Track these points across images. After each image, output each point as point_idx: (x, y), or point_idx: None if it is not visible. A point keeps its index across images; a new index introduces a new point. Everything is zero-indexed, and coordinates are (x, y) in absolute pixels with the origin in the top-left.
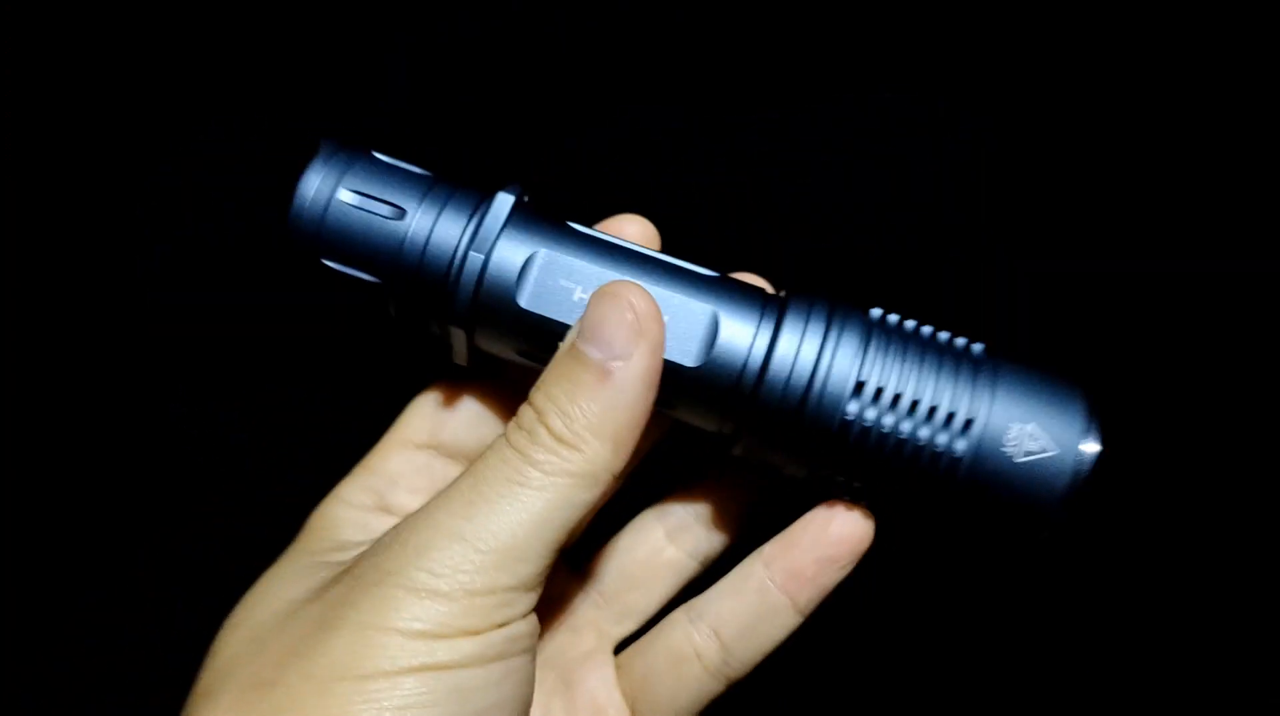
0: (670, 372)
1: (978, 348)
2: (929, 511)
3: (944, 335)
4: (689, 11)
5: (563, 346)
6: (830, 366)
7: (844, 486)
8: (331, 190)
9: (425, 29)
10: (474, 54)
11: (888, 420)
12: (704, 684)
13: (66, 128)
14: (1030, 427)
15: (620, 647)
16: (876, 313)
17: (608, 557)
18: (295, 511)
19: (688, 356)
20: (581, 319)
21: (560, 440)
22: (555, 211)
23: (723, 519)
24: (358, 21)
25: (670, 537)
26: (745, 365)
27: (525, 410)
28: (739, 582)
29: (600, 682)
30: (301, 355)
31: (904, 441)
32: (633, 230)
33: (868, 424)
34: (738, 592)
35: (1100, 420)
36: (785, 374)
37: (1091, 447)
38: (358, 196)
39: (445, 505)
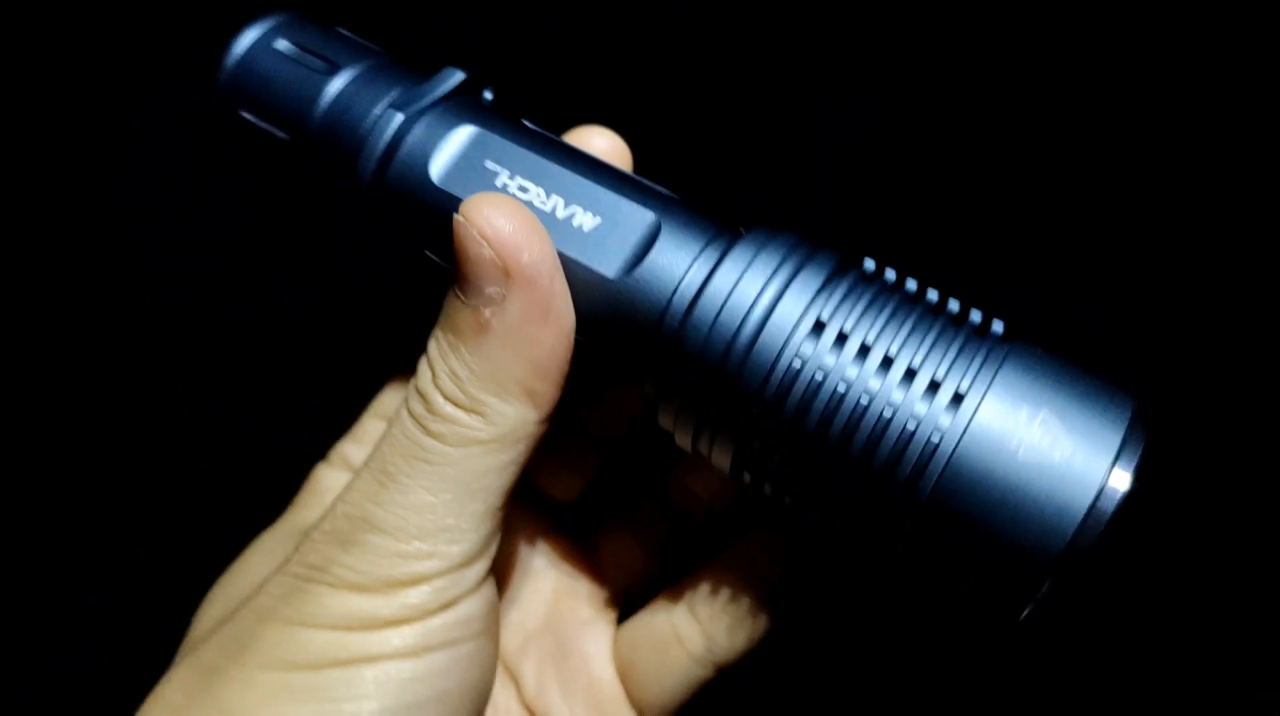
0: (587, 283)
1: (997, 325)
2: (892, 526)
3: (954, 303)
4: (689, 12)
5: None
6: (775, 301)
7: (777, 484)
8: (270, 41)
9: (426, 29)
10: (474, 54)
11: (850, 372)
12: (688, 668)
13: (66, 127)
14: (1043, 414)
15: (622, 617)
16: (870, 264)
17: (609, 522)
18: (308, 457)
19: (610, 265)
20: None
21: (457, 405)
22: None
23: (731, 489)
24: (357, 23)
25: (673, 500)
26: (676, 290)
27: (422, 364)
28: (724, 568)
29: (597, 653)
30: (302, 356)
31: (867, 407)
32: (600, 143)
33: (820, 376)
34: (720, 576)
35: (1145, 447)
36: (717, 305)
37: (1120, 479)
38: (294, 48)
39: (359, 487)
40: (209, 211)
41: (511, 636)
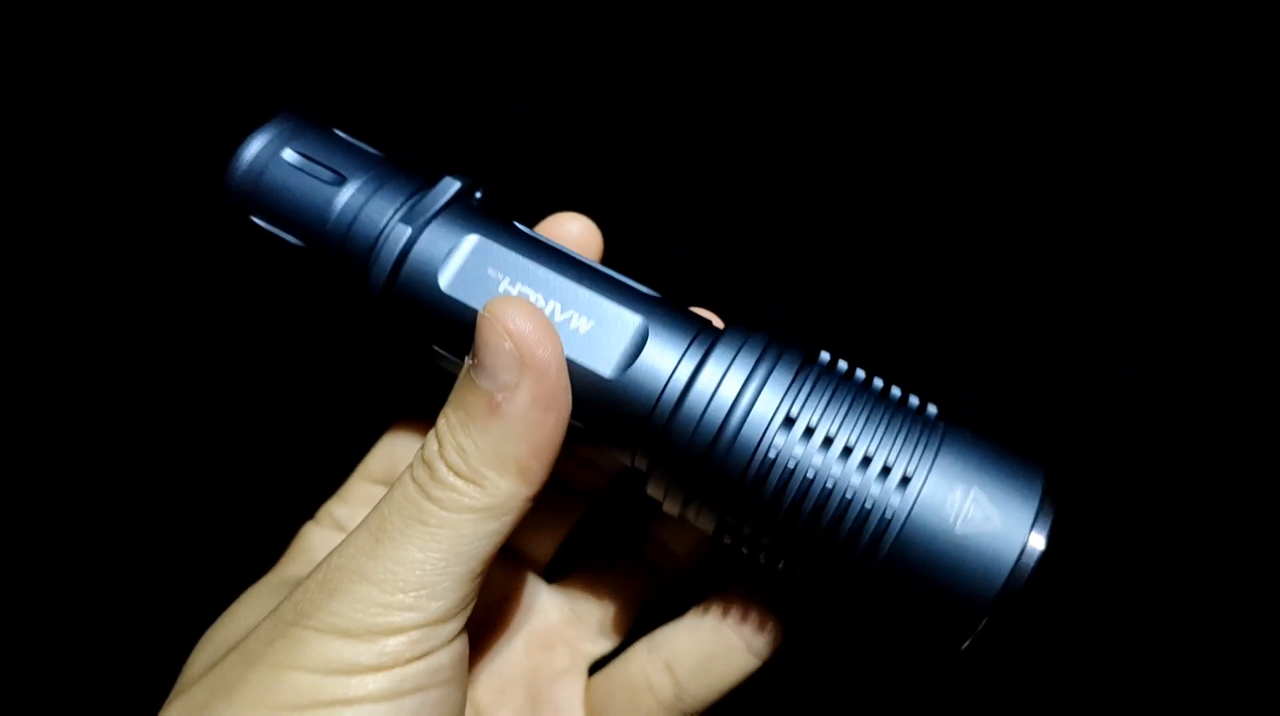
0: (585, 381)
1: (932, 409)
2: (853, 585)
3: (896, 391)
4: (688, 16)
5: (465, 363)
6: (754, 400)
7: (754, 547)
8: (277, 149)
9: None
10: (478, 59)
11: (816, 460)
12: None
13: (66, 126)
14: (974, 493)
15: (596, 667)
16: (825, 356)
17: (585, 575)
18: (296, 514)
19: (606, 366)
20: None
21: (459, 475)
22: (510, 214)
23: (701, 541)
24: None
25: (647, 556)
26: (665, 388)
27: (430, 437)
28: (696, 619)
29: (569, 703)
30: (305, 357)
31: (831, 490)
32: (574, 228)
33: (792, 464)
34: (694, 629)
35: (1055, 513)
36: (703, 403)
37: (1037, 542)
38: (301, 158)
39: (355, 542)
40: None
41: (487, 686)
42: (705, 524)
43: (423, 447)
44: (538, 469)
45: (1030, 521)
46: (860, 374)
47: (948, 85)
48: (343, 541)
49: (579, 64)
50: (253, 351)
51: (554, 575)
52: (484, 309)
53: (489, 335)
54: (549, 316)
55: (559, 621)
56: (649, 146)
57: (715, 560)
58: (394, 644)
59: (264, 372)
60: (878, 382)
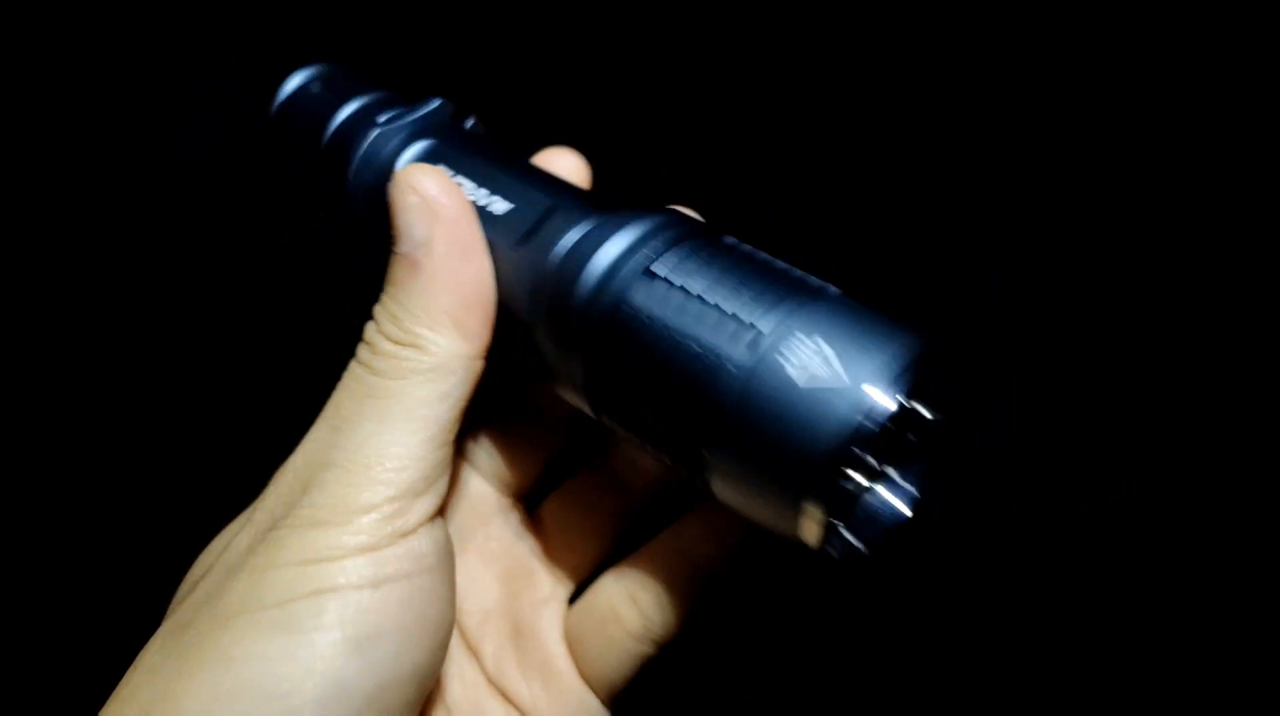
0: (496, 255)
1: (833, 289)
2: (707, 442)
3: (797, 272)
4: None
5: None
6: (627, 260)
7: (617, 414)
8: (304, 80)
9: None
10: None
11: (667, 312)
12: (629, 646)
13: (66, 126)
14: (817, 344)
15: (576, 595)
16: (730, 240)
17: (561, 500)
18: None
19: (509, 238)
20: None
21: (396, 342)
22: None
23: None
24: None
25: (623, 479)
26: (552, 250)
27: (369, 322)
28: (652, 548)
29: (550, 631)
30: (302, 350)
31: (680, 342)
32: (565, 163)
33: (645, 316)
34: (651, 559)
35: (925, 376)
36: (582, 260)
37: (883, 397)
38: (320, 85)
39: (314, 438)
40: (209, 211)
41: (471, 615)
42: (574, 375)
43: (365, 332)
44: (472, 323)
45: (883, 379)
46: (762, 255)
47: (947, 85)
48: (302, 441)
49: (579, 64)
50: (250, 313)
51: (531, 503)
52: (393, 178)
53: (397, 195)
54: (474, 201)
55: (537, 550)
56: (649, 146)
57: (682, 488)
58: (369, 520)
59: (269, 308)
60: (779, 263)
